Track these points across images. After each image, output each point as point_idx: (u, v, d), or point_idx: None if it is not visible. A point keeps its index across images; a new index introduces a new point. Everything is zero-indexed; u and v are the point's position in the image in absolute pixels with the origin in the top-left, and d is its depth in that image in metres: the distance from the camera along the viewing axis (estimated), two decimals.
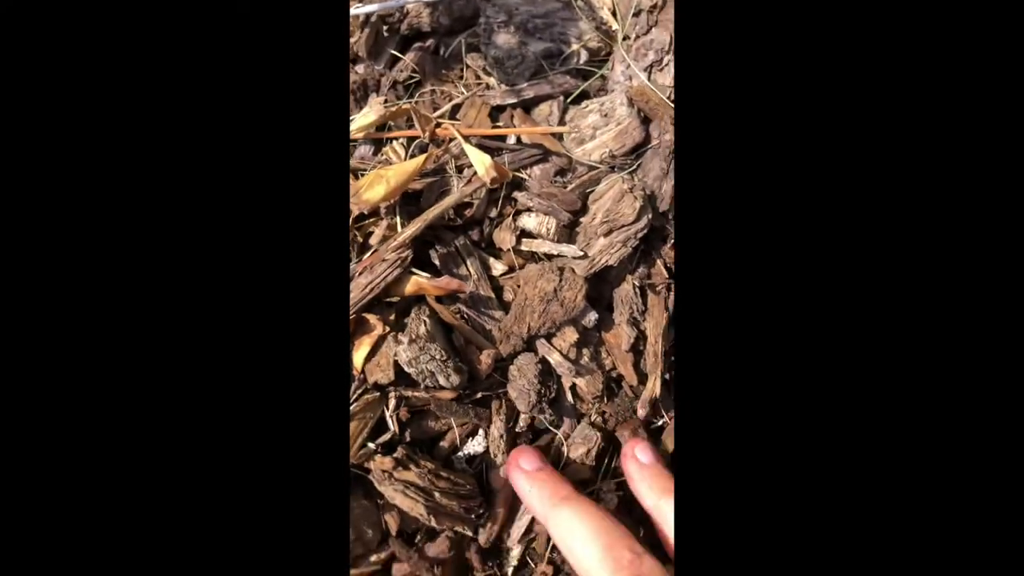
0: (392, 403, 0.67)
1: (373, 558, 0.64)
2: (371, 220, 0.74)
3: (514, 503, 0.70)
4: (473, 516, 0.67)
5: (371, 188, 0.67)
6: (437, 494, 0.63)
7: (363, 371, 0.67)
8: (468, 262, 0.76)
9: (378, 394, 0.67)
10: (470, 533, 0.67)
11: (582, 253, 0.74)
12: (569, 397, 0.75)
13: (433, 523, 0.62)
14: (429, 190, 0.76)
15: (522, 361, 0.73)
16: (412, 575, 0.65)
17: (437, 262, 0.74)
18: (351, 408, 0.65)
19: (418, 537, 0.67)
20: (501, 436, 0.70)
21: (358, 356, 0.67)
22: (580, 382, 0.74)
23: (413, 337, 0.66)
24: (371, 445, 0.64)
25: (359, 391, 0.66)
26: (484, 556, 0.68)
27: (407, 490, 0.62)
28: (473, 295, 0.75)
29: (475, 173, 0.73)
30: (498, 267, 0.77)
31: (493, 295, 0.76)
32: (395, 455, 0.63)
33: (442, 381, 0.68)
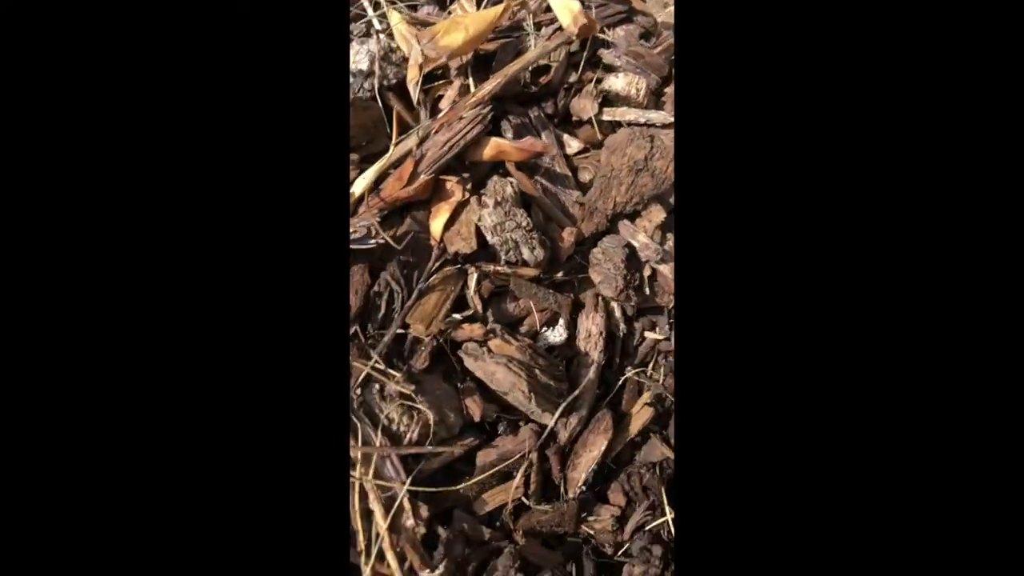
0: (473, 280, 0.60)
1: (457, 446, 0.57)
2: (440, 83, 0.66)
3: (597, 402, 0.64)
4: (562, 402, 0.61)
5: (448, 34, 0.59)
6: (538, 372, 0.57)
7: (442, 240, 0.59)
8: (543, 135, 0.69)
9: (458, 267, 0.60)
10: (551, 424, 0.61)
11: (672, 120, 0.67)
12: (646, 289, 0.68)
13: (532, 404, 0.56)
14: (503, 51, 0.68)
15: (608, 243, 0.66)
16: (500, 463, 0.58)
17: (509, 134, 0.67)
18: (431, 280, 0.58)
19: (501, 427, 0.61)
20: (601, 333, 0.63)
21: (436, 224, 0.60)
22: (663, 269, 0.68)
23: (499, 200, 0.59)
24: (456, 316, 0.57)
25: (438, 262, 0.59)
26: (562, 459, 0.62)
27: (510, 364, 0.55)
28: (549, 171, 0.68)
29: (556, 29, 0.65)
30: (573, 144, 0.70)
31: (569, 173, 0.69)
32: (488, 327, 0.57)
33: (526, 254, 0.61)
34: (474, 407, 0.58)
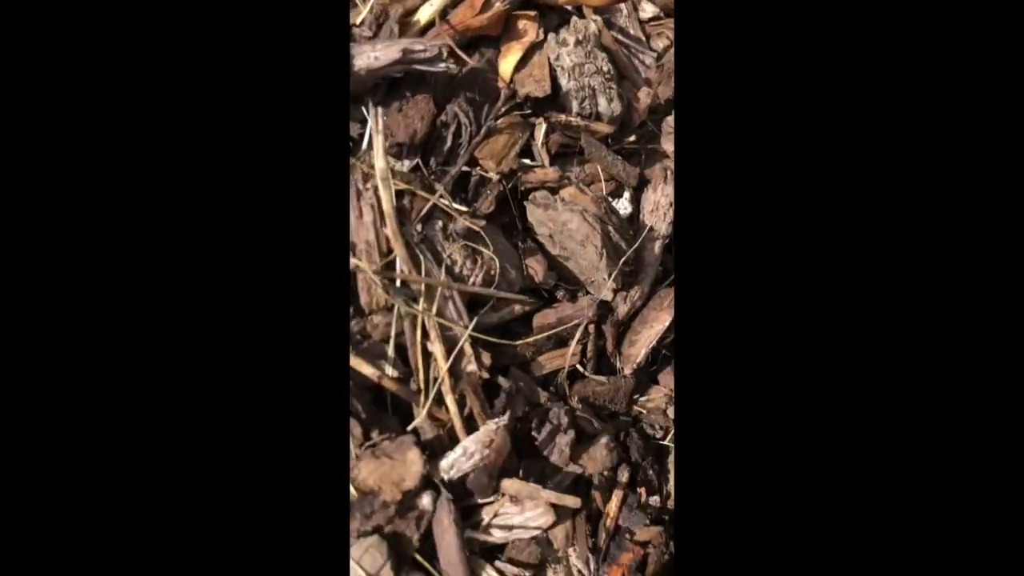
0: (541, 131, 0.55)
1: (517, 307, 0.53)
2: None
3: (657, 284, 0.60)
4: (616, 285, 0.56)
5: None
6: (611, 228, 0.52)
7: (512, 81, 0.54)
8: None
9: (526, 113, 0.55)
10: (611, 297, 0.57)
11: None
12: None
13: (603, 262, 0.51)
14: None
15: None
16: (558, 325, 0.54)
17: None
18: (498, 122, 0.53)
19: (560, 294, 0.56)
20: (670, 204, 0.59)
21: (507, 63, 0.54)
22: None
23: (580, 38, 0.53)
24: (526, 161, 0.53)
25: (507, 105, 0.54)
26: (618, 334, 0.58)
27: (585, 214, 0.50)
28: (623, 30, 0.62)
29: None
30: (648, 9, 0.65)
31: (643, 37, 0.64)
32: (563, 173, 0.52)
33: (602, 105, 0.56)
34: (537, 266, 0.54)
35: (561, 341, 0.55)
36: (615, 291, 0.56)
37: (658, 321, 0.58)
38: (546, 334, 0.53)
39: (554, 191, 0.52)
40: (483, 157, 0.50)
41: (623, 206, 0.60)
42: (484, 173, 0.50)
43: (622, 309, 0.57)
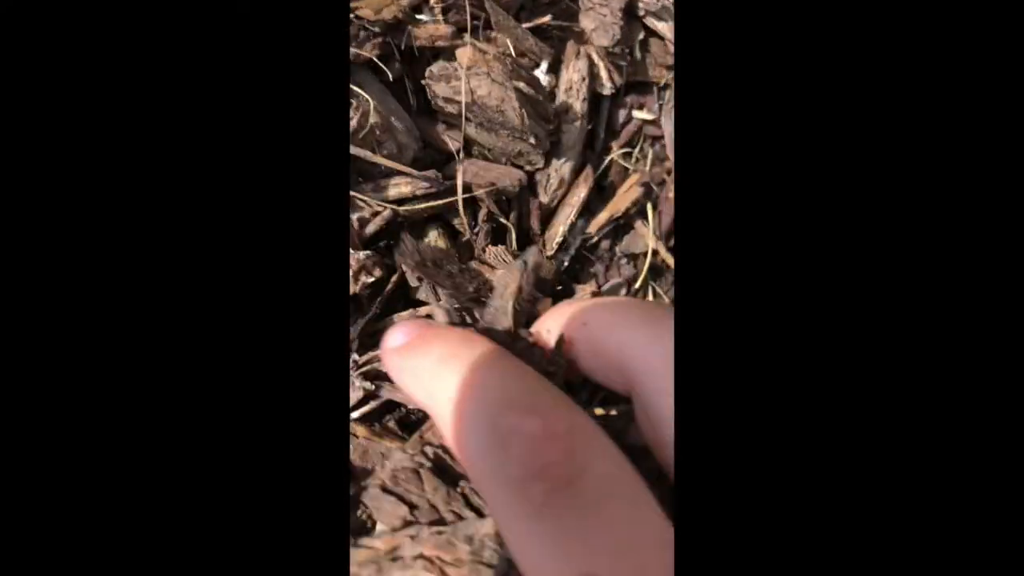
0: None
1: (420, 191, 0.48)
2: None
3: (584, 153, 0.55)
4: (544, 147, 0.52)
5: None
6: (523, 86, 0.47)
7: None
8: None
9: None
10: (534, 166, 0.52)
11: None
12: (638, 52, 0.60)
13: (526, 123, 0.46)
14: None
15: None
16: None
17: None
18: None
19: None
20: (583, 80, 0.55)
21: None
22: (661, 28, 0.60)
23: None
24: (423, 16, 0.48)
25: None
26: (543, 219, 0.54)
27: (492, 74, 0.45)
28: None
29: None
30: None
31: None
32: (456, 29, 0.47)
33: None
34: (451, 141, 0.49)
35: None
36: (545, 154, 0.52)
37: (575, 195, 0.54)
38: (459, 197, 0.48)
39: (449, 56, 0.48)
40: (361, 6, 0.45)
41: (541, 72, 0.56)
42: (361, 21, 0.45)
43: (544, 197, 0.54)
